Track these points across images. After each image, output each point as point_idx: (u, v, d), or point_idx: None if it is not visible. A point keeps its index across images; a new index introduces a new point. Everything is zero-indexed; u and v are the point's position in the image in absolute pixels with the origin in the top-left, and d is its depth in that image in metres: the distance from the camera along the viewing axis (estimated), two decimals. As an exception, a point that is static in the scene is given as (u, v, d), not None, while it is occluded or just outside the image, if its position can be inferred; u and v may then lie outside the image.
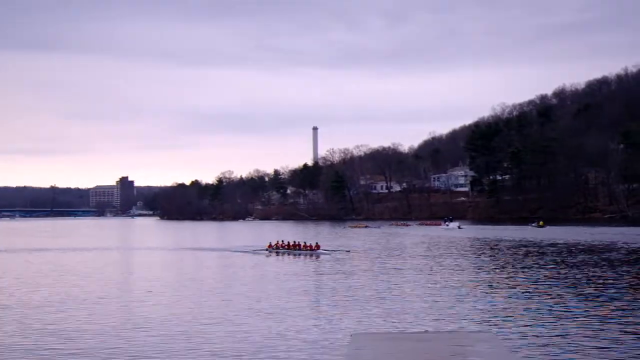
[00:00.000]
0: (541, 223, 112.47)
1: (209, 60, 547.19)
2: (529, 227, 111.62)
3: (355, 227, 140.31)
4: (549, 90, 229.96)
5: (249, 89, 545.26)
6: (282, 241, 69.37)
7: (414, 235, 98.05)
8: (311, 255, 61.14)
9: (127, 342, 22.70)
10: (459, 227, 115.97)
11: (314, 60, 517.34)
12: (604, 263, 48.24)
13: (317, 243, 65.93)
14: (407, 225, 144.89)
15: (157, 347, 21.82)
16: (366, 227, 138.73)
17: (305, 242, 66.79)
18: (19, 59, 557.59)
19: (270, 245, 68.49)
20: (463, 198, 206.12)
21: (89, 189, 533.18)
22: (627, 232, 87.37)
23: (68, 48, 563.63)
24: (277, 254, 64.55)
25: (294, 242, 68.18)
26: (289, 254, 63.69)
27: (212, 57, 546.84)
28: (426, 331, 21.96)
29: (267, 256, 62.82)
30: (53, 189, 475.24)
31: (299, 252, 64.46)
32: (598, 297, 31.05)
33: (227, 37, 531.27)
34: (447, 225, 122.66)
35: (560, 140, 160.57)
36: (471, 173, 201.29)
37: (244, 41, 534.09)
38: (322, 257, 59.25)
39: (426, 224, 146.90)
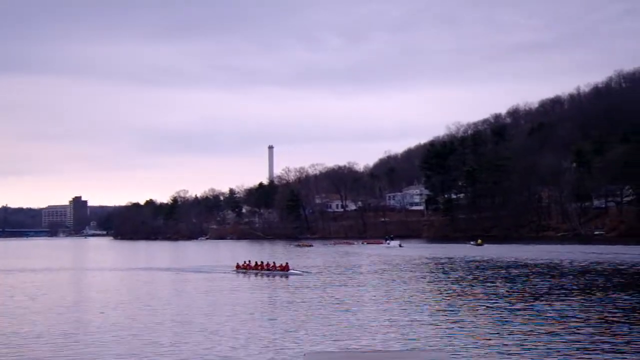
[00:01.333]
0: (479, 241, 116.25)
1: (165, 80, 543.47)
2: (468, 245, 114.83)
3: (301, 245, 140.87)
4: (503, 109, 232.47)
5: (204, 108, 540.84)
6: (250, 261, 67.23)
7: (367, 255, 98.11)
8: (281, 276, 59.00)
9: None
10: (399, 246, 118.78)
11: (271, 79, 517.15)
12: (548, 279, 48.96)
13: (287, 263, 63.45)
14: (350, 244, 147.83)
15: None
16: (311, 246, 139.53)
17: (274, 263, 64.34)
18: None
19: (238, 266, 66.69)
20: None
21: (41, 209, 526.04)
22: (567, 250, 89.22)
23: (22, 68, 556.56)
24: (245, 274, 62.59)
25: (263, 262, 65.90)
26: (257, 275, 61.67)
27: (169, 77, 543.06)
28: (380, 350, 21.87)
29: (237, 276, 61.49)
30: (4, 209, 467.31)
31: (268, 272, 62.13)
32: (546, 312, 31.30)
33: (184, 56, 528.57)
34: (388, 244, 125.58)
35: (514, 159, 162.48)
36: (426, 192, 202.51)
37: (201, 60, 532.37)
38: (292, 277, 57.42)
39: (369, 243, 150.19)
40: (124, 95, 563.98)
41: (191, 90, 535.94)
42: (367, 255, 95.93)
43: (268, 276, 60.16)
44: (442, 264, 72.06)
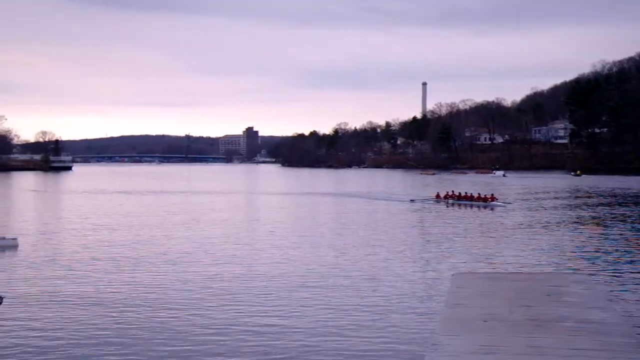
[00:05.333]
0: (578, 172, 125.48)
1: (319, 21, 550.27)
2: (569, 175, 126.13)
3: (425, 174, 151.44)
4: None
5: (358, 48, 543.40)
6: (453, 192, 63.55)
7: (511, 185, 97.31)
8: (484, 207, 54.80)
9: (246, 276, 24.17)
10: (503, 175, 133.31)
11: (415, 20, 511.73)
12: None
13: (492, 194, 59.20)
14: (465, 173, 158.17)
15: (272, 281, 23.01)
16: (434, 174, 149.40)
17: (479, 194, 59.95)
18: (156, 21, 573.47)
19: (438, 196, 62.96)
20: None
21: (218, 138, 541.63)
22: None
23: (197, 10, 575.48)
24: (446, 205, 58.36)
25: (466, 193, 61.48)
26: (459, 205, 57.57)
27: (322, 18, 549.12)
28: (522, 272, 22.56)
29: (437, 205, 58.26)
30: (187, 137, 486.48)
31: (470, 203, 57.96)
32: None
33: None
34: (494, 173, 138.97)
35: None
36: (570, 126, 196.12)
37: (349, 2, 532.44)
38: (495, 208, 53.16)
39: (479, 172, 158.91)
40: (284, 35, 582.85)
41: (342, 31, 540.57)
42: (516, 185, 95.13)
43: (471, 207, 56.07)
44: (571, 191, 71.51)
